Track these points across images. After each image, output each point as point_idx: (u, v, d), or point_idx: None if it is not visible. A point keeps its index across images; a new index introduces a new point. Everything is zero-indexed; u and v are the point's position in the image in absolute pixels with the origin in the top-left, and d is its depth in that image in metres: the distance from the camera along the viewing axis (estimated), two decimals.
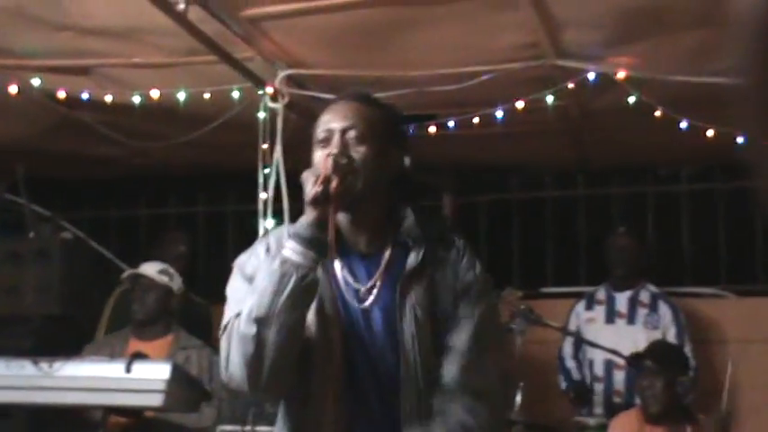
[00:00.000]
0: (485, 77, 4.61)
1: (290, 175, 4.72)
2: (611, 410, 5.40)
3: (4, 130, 5.75)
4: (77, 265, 5.54)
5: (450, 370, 2.34)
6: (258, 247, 2.46)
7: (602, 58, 4.53)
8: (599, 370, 5.69)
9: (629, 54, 4.51)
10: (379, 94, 4.77)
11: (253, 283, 2.35)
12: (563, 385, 5.77)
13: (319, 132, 2.40)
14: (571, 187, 6.85)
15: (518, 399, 4.72)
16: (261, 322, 2.24)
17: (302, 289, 2.26)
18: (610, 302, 5.83)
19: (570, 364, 5.81)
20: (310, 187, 2.28)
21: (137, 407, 4.36)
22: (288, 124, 4.88)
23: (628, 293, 5.80)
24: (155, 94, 4.97)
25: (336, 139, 2.36)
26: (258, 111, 4.89)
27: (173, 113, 5.20)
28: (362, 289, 2.39)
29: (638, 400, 5.22)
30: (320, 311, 2.36)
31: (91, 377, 4.17)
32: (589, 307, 5.88)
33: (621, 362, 5.47)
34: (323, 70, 4.81)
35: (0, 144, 5.96)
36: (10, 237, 6.11)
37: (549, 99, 4.83)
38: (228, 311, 2.38)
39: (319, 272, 2.32)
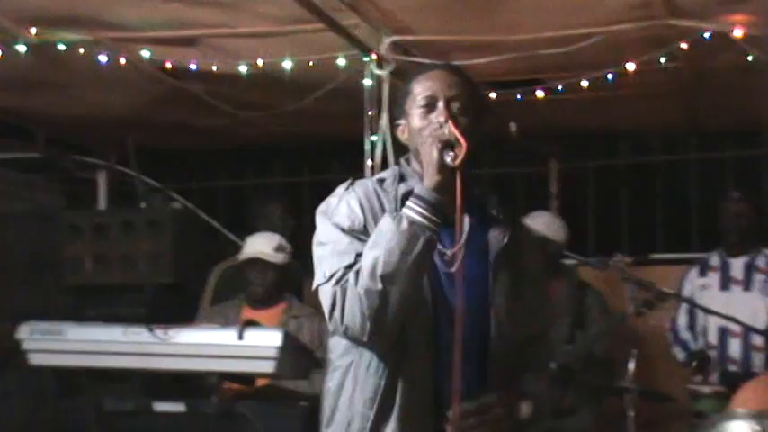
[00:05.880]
0: (594, 40, 4.51)
1: (395, 142, 4.69)
2: (728, 379, 5.27)
3: (114, 102, 5.86)
4: (187, 234, 5.62)
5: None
6: (349, 200, 2.49)
7: (716, 16, 4.38)
8: (713, 338, 5.56)
9: (745, 11, 4.35)
10: (485, 59, 4.77)
11: (363, 239, 2.40)
12: (681, 356, 5.64)
13: (420, 98, 2.42)
14: (682, 151, 6.70)
15: (631, 366, 4.63)
16: (386, 280, 2.31)
17: (428, 251, 2.33)
18: (724, 269, 5.67)
19: (686, 335, 5.68)
20: (435, 153, 2.31)
21: (249, 373, 4.42)
22: (393, 91, 4.84)
23: (743, 259, 5.63)
24: (260, 63, 4.99)
25: (442, 107, 2.39)
26: (363, 78, 4.86)
27: (278, 83, 5.21)
28: (448, 253, 2.43)
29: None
30: None
31: (205, 344, 4.23)
32: (702, 273, 5.74)
33: (737, 329, 5.33)
34: (429, 36, 4.75)
35: (111, 116, 6.09)
36: (123, 207, 6.26)
37: (662, 60, 4.70)
38: (332, 261, 2.44)
39: None
